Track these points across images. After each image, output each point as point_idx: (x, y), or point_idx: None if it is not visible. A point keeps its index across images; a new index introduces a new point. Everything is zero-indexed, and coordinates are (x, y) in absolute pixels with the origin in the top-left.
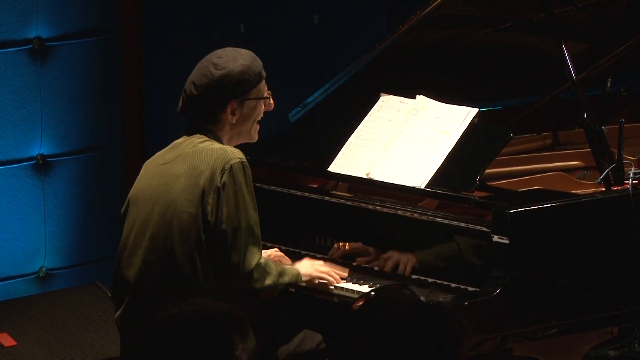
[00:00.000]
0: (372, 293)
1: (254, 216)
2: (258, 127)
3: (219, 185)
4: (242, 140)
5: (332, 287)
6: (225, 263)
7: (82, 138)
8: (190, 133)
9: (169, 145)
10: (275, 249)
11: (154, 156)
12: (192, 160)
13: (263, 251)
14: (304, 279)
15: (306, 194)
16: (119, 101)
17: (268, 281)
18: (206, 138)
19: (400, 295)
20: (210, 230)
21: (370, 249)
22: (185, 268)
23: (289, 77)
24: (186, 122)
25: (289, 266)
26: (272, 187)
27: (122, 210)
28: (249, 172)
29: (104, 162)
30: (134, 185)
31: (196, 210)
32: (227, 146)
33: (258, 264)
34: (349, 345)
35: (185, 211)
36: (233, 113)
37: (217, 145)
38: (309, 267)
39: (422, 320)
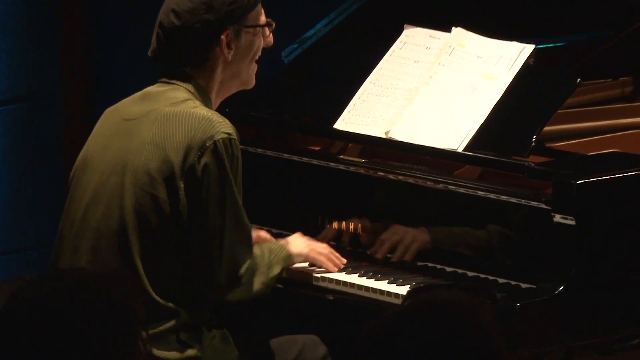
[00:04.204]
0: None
1: (241, 208)
2: (256, 68)
3: (195, 165)
4: (237, 86)
5: (336, 280)
6: (204, 270)
7: (3, 85)
8: (168, 80)
9: (140, 93)
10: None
11: (117, 105)
12: (165, 125)
13: None
14: (296, 260)
15: (305, 159)
16: (55, 37)
17: (257, 285)
18: (189, 95)
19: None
20: (182, 224)
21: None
22: (144, 266)
23: (284, 4)
24: (162, 68)
25: (276, 245)
26: (260, 151)
27: (71, 174)
28: (237, 151)
29: (33, 116)
30: (88, 141)
31: (162, 194)
32: (215, 114)
33: (248, 268)
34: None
35: (147, 191)
36: (229, 46)
37: (201, 110)
38: (302, 246)
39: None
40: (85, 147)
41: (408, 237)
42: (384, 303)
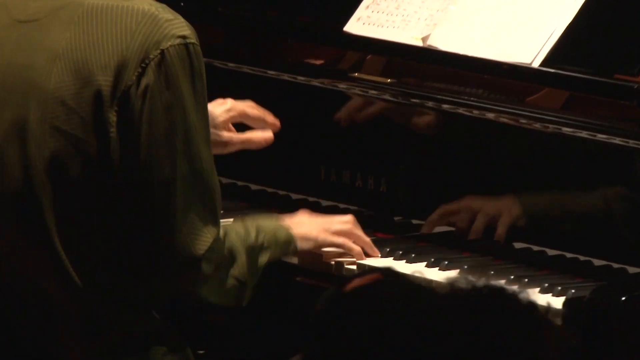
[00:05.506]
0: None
1: (204, 151)
2: None
3: (132, 88)
4: None
5: (354, 268)
6: (144, 248)
7: None
8: None
9: None
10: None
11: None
12: (85, 29)
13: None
14: (301, 246)
15: (301, 78)
16: None
17: (230, 279)
18: None
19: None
20: (114, 175)
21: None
22: (64, 244)
23: None
24: None
25: (269, 221)
26: (232, 66)
27: None
28: (200, 63)
29: None
30: None
31: (85, 133)
32: (163, 9)
33: (211, 249)
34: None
35: (62, 130)
36: None
37: (141, 3)
38: (311, 227)
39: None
40: None
41: (490, 208)
42: None
